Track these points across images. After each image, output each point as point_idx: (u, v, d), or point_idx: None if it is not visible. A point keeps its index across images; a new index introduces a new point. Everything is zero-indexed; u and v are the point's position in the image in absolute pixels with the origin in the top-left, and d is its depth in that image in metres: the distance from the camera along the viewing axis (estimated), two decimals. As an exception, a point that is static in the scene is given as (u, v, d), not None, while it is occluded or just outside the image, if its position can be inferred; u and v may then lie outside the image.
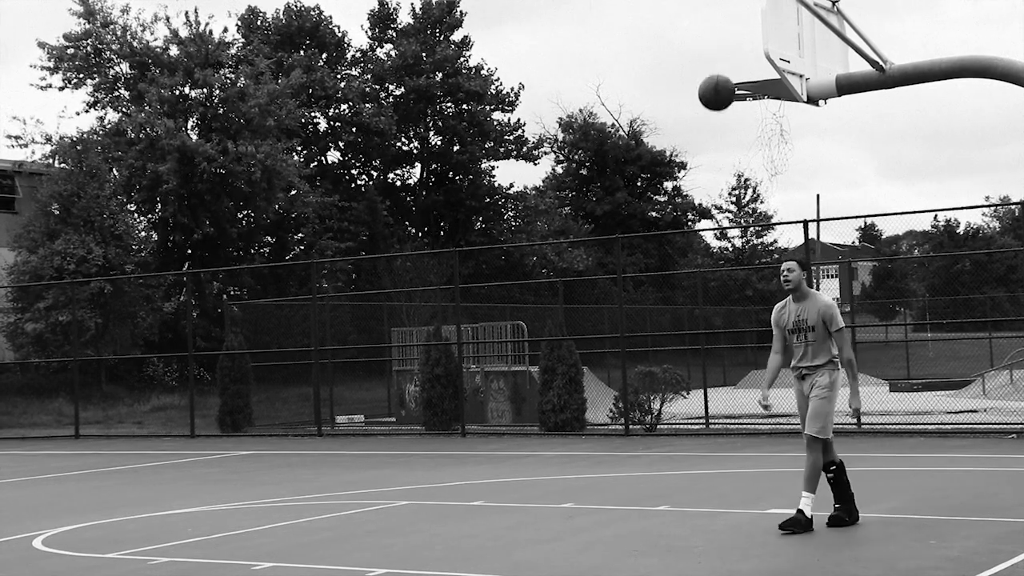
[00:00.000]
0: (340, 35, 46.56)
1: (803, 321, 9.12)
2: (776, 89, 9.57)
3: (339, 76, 45.28)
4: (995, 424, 17.61)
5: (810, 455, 9.02)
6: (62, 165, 32.92)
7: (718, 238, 57.46)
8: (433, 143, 47.78)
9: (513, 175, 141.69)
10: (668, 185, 56.75)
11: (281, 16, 45.45)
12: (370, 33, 48.41)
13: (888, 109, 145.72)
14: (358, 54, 47.49)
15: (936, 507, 10.06)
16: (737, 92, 9.76)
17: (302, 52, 44.25)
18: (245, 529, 10.35)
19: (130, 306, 31.31)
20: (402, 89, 46.19)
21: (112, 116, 36.62)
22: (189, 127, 35.70)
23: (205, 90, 35.41)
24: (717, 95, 9.05)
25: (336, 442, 21.07)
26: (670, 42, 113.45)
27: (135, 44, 35.68)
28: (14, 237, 32.35)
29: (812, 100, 9.63)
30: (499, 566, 8.19)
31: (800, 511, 8.86)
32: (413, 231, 47.19)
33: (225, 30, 37.55)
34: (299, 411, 26.68)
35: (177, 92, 35.01)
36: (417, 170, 48.44)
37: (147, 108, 33.97)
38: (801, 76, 9.44)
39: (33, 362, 31.39)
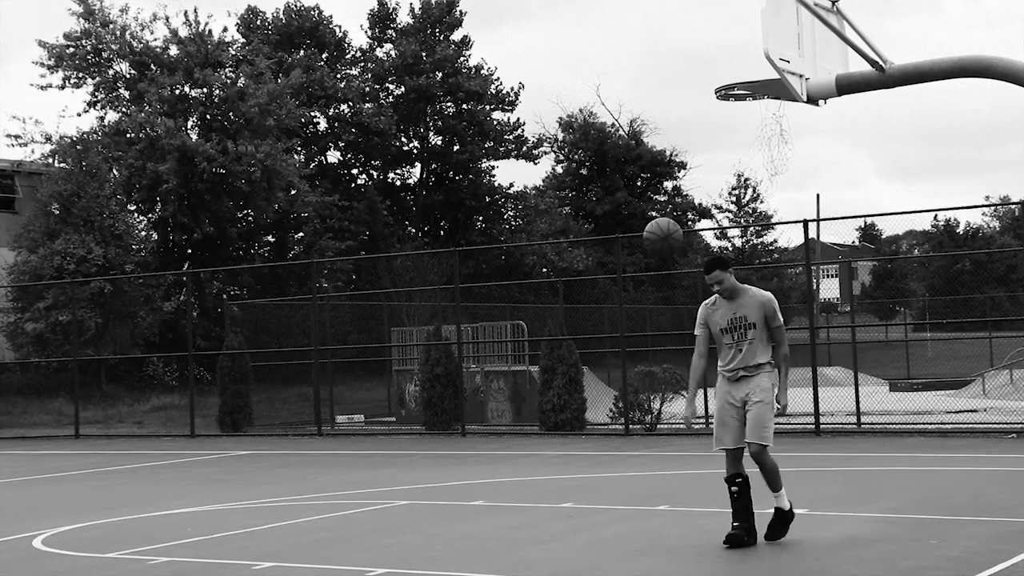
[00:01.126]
0: (340, 35, 46.57)
1: (741, 319, 8.46)
2: (776, 89, 9.60)
3: (339, 76, 45.26)
4: (995, 424, 17.61)
5: (762, 464, 8.44)
6: (62, 165, 32.92)
7: (718, 238, 57.56)
8: (433, 143, 47.78)
9: (513, 175, 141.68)
10: (668, 185, 56.77)
11: (281, 16, 45.45)
12: (370, 33, 48.39)
13: (888, 109, 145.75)
14: (358, 54, 47.48)
15: (936, 507, 10.06)
16: (737, 92, 9.79)
17: (302, 52, 44.24)
18: (244, 529, 10.34)
19: (130, 306, 31.31)
20: (402, 89, 46.19)
21: (112, 116, 36.65)
22: (189, 127, 35.69)
23: (205, 90, 35.40)
24: (664, 243, 9.18)
25: (336, 442, 21.07)
26: (670, 42, 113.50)
27: (134, 44, 35.68)
28: (14, 237, 32.34)
29: (812, 100, 9.65)
30: (499, 566, 8.18)
31: (777, 509, 8.60)
32: (413, 231, 47.19)
33: (225, 30, 37.53)
34: (299, 411, 26.69)
35: (177, 92, 35.01)
36: (417, 170, 48.45)
37: (147, 108, 33.97)
38: (801, 76, 9.46)
39: (33, 362, 31.38)
